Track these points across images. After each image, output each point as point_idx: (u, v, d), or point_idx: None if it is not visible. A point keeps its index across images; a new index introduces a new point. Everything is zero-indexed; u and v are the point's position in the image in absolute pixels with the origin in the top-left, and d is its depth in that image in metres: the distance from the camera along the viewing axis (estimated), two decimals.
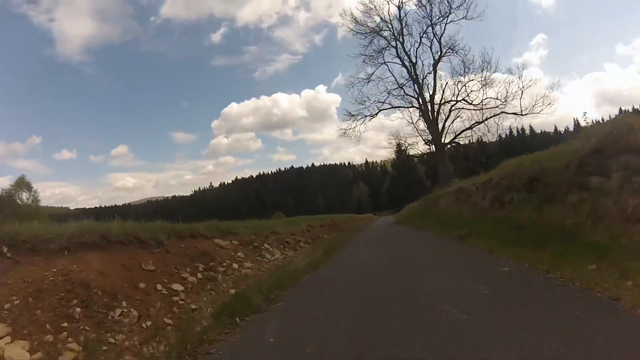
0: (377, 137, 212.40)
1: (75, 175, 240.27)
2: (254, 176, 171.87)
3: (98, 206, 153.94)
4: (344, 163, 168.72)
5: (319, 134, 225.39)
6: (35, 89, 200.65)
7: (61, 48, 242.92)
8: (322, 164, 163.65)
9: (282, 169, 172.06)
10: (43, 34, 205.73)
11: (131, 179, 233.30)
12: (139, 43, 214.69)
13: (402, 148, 70.44)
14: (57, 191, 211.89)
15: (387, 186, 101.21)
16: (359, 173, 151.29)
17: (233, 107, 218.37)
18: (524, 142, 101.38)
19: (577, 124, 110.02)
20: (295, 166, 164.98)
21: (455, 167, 60.86)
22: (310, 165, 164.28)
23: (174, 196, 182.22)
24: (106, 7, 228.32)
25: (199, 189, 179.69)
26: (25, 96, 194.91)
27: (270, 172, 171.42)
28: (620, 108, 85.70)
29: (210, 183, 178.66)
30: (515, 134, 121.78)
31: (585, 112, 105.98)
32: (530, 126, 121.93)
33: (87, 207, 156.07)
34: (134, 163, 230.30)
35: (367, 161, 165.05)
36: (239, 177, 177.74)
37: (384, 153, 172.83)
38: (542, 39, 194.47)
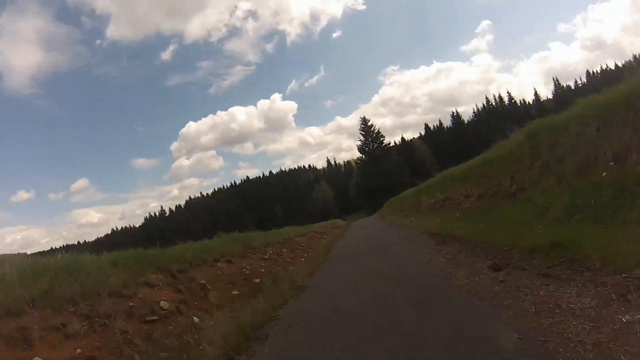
0: (337, 140, 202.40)
1: (36, 216, 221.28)
2: (209, 194, 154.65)
3: (64, 244, 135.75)
4: (304, 166, 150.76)
5: (279, 144, 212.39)
6: None
7: (8, 81, 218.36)
8: (279, 170, 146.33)
9: (236, 182, 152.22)
10: None
11: (95, 214, 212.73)
12: (89, 69, 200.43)
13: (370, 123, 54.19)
14: (19, 236, 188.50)
15: (356, 180, 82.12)
16: (321, 175, 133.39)
17: (191, 126, 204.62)
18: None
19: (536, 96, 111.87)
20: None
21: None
22: (267, 174, 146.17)
23: (122, 227, 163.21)
24: (52, 34, 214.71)
25: (149, 215, 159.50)
26: None
27: (223, 187, 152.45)
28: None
29: (161, 207, 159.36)
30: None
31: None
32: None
33: (52, 247, 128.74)
34: (97, 196, 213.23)
35: (328, 161, 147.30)
36: (191, 197, 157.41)
37: (346, 155, 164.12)
38: (487, 25, 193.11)
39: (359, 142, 71.24)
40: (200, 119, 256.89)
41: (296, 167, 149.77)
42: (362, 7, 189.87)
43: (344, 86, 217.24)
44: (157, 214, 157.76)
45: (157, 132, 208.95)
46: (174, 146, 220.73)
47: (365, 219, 48.81)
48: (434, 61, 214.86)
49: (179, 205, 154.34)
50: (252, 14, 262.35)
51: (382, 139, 71.92)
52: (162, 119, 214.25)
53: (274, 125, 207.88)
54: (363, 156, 75.85)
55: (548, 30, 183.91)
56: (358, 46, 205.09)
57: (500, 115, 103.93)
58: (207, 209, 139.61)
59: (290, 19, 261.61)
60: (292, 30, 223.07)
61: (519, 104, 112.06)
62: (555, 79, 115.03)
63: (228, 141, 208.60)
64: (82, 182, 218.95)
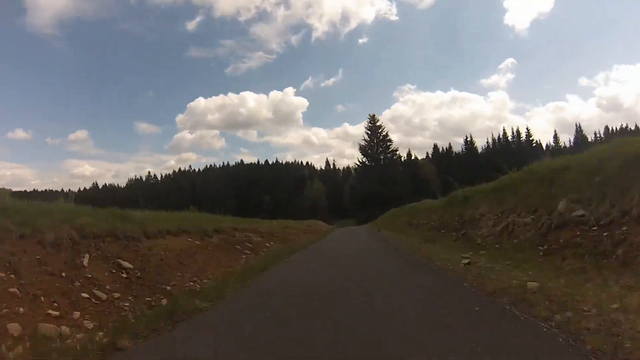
0: (341, 146, 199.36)
1: (30, 157, 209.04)
2: (200, 169, 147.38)
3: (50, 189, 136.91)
4: (301, 162, 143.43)
5: (283, 137, 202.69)
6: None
7: (32, 18, 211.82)
8: (275, 161, 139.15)
9: (229, 164, 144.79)
10: (14, 0, 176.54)
11: (89, 167, 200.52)
12: (113, 22, 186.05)
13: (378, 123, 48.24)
14: (9, 172, 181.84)
15: (351, 184, 73.81)
16: (317, 175, 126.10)
17: (200, 102, 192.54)
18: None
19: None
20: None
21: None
22: (264, 162, 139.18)
23: (105, 184, 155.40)
24: None
25: (134, 177, 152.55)
26: None
27: (214, 166, 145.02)
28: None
29: (148, 172, 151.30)
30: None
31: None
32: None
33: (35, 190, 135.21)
34: (94, 151, 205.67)
35: (327, 162, 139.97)
36: (182, 169, 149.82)
37: (347, 162, 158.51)
38: (511, 63, 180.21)
39: (363, 142, 64.76)
40: (210, 96, 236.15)
41: (293, 162, 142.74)
42: (394, 18, 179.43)
43: (358, 94, 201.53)
44: (144, 178, 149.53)
45: (166, 101, 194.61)
46: (179, 118, 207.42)
47: (352, 229, 41.14)
48: (451, 88, 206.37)
49: (167, 174, 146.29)
50: (284, 1, 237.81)
51: (389, 143, 65.71)
52: (173, 89, 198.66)
53: (282, 118, 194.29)
54: (364, 158, 67.82)
55: (569, 81, 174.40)
56: (381, 57, 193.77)
57: (514, 151, 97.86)
58: (193, 185, 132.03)
59: (321, 15, 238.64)
60: (320, 27, 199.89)
61: (535, 144, 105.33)
62: (578, 125, 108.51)
63: (233, 124, 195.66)
64: (81, 134, 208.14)
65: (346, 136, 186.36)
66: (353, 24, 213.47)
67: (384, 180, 59.04)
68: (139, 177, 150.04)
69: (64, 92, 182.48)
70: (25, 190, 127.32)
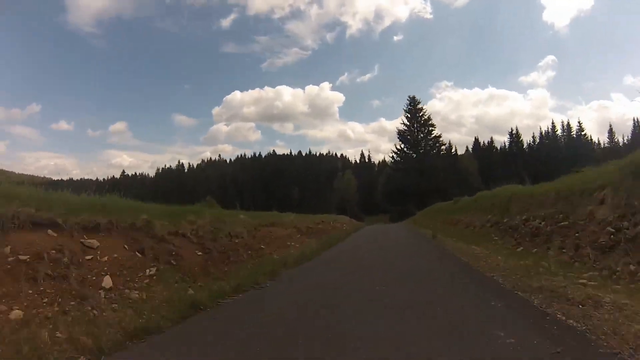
0: (377, 141, 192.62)
1: (72, 148, 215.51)
2: (231, 160, 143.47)
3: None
4: (336, 154, 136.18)
5: (319, 130, 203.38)
6: (40, 55, 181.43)
7: (72, 16, 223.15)
8: (308, 152, 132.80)
9: (260, 154, 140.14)
10: (55, 0, 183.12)
11: (127, 158, 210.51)
12: (151, 20, 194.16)
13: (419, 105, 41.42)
14: (52, 162, 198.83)
15: (389, 172, 63.82)
16: (351, 166, 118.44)
17: (236, 95, 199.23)
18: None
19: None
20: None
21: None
22: (297, 153, 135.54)
23: (135, 174, 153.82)
24: None
25: (164, 167, 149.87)
26: (29, 61, 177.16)
27: (243, 156, 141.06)
28: None
29: (178, 161, 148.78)
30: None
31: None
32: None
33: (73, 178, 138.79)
34: (132, 142, 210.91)
35: (362, 154, 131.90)
36: (213, 159, 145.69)
37: (382, 157, 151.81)
38: (551, 60, 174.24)
39: (402, 126, 57.08)
40: (247, 90, 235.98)
41: (327, 153, 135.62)
42: (429, 16, 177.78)
43: (394, 90, 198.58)
44: (174, 167, 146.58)
45: (203, 94, 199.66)
46: (215, 110, 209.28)
47: (387, 229, 33.66)
48: (489, 85, 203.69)
49: (198, 164, 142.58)
50: (317, 0, 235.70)
51: (431, 128, 56.43)
52: (210, 82, 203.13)
53: (318, 112, 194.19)
54: (402, 145, 57.95)
55: (613, 79, 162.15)
56: (417, 54, 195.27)
57: (563, 147, 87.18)
58: (223, 175, 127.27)
59: (354, 13, 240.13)
60: (354, 24, 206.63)
61: (587, 140, 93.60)
62: (636, 120, 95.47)
63: (269, 117, 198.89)
64: (120, 125, 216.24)
65: (382, 131, 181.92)
66: (387, 22, 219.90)
67: (425, 169, 51.09)
68: (169, 167, 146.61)
69: (104, 86, 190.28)
70: (61, 179, 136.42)
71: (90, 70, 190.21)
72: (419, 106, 54.50)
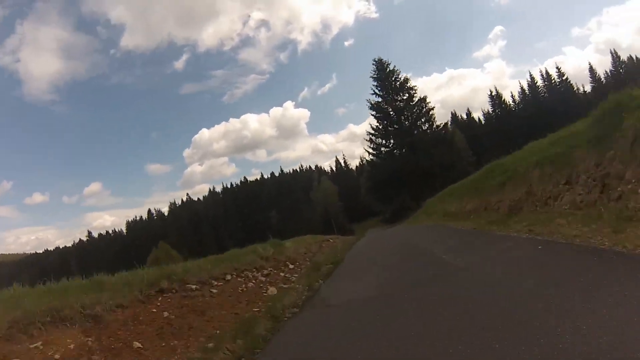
0: (350, 147, 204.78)
1: (50, 218, 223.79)
2: (199, 198, 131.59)
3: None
4: (309, 167, 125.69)
5: (291, 150, 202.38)
6: (4, 131, 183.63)
7: (28, 88, 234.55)
8: (280, 171, 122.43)
9: (228, 185, 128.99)
10: (10, 75, 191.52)
11: (109, 217, 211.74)
12: (105, 77, 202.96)
13: (390, 68, 32.05)
14: (34, 237, 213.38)
15: (368, 168, 50.65)
16: (328, 176, 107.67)
17: (204, 133, 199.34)
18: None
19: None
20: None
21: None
22: (269, 175, 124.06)
23: (107, 232, 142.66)
24: (71, 43, 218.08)
25: (136, 218, 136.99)
26: None
27: (212, 189, 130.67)
28: None
29: (148, 210, 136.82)
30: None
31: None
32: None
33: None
34: (110, 200, 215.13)
35: (337, 161, 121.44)
36: (184, 200, 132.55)
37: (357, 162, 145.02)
38: (499, 30, 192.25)
39: (374, 98, 42.75)
40: (213, 126, 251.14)
41: (299, 168, 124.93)
42: (374, 16, 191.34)
43: (357, 94, 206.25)
44: (144, 218, 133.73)
45: (171, 139, 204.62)
46: (186, 152, 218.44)
47: (383, 235, 23.09)
48: (446, 68, 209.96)
49: (164, 211, 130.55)
50: (264, 24, 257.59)
51: (412, 92, 41.13)
52: (176, 126, 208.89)
53: (287, 133, 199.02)
54: (379, 122, 42.25)
55: (562, 34, 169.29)
56: (370, 54, 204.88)
57: (550, 99, 78.69)
58: (194, 214, 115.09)
59: (302, 28, 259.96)
60: (304, 39, 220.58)
61: (568, 83, 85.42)
62: (612, 51, 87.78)
63: (240, 148, 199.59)
64: (95, 186, 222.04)
65: (353, 137, 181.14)
66: (335, 30, 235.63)
67: (416, 144, 38.84)
68: (139, 218, 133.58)
69: (72, 150, 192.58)
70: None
71: (56, 136, 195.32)
72: (390, 69, 41.76)
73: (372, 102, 40.22)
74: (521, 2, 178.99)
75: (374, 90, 39.87)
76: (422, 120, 39.09)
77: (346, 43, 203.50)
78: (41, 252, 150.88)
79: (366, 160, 40.46)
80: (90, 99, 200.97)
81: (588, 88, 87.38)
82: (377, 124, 40.92)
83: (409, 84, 39.54)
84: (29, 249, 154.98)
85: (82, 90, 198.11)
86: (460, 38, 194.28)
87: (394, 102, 38.98)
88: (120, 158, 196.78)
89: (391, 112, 39.54)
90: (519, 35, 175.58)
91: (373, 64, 39.88)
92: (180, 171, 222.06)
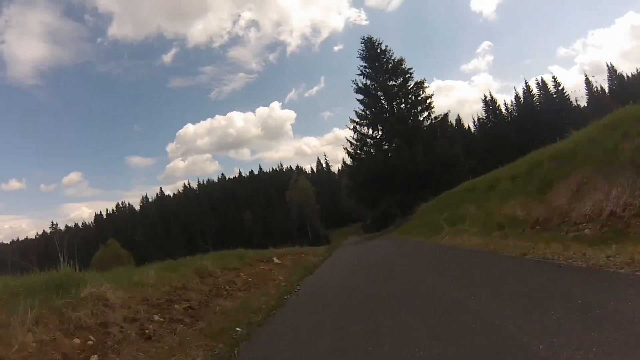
0: (334, 152, 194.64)
1: (26, 206, 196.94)
2: (171, 194, 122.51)
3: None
4: (290, 167, 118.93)
5: (275, 151, 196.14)
6: None
7: (11, 71, 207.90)
8: (259, 170, 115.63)
9: (204, 181, 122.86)
10: None
11: (86, 209, 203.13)
12: (91, 65, 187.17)
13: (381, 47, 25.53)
14: (7, 225, 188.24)
15: (352, 165, 33.30)
16: (308, 177, 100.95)
17: (189, 128, 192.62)
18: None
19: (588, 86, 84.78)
20: None
21: None
22: (247, 173, 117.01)
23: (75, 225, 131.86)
24: (57, 29, 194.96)
25: (99, 212, 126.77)
26: None
27: (188, 186, 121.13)
28: None
29: (117, 204, 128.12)
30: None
31: None
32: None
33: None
34: (89, 192, 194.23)
35: (319, 161, 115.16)
36: (158, 195, 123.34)
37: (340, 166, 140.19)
38: (487, 45, 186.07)
39: (363, 80, 34.52)
40: (198, 121, 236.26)
41: (278, 168, 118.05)
42: (364, 23, 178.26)
43: (343, 98, 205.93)
44: (112, 211, 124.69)
45: (154, 132, 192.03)
46: (170, 147, 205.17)
47: (363, 251, 16.77)
48: (434, 78, 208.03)
49: (135, 206, 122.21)
50: (254, 24, 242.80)
51: (408, 75, 33.43)
52: (160, 119, 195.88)
53: (272, 133, 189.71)
54: (366, 110, 34.17)
55: (548, 53, 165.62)
56: (359, 61, 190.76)
57: (544, 110, 73.13)
58: (164, 211, 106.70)
59: (291, 30, 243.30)
60: (293, 41, 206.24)
61: (565, 95, 79.96)
62: (609, 65, 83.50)
63: (224, 146, 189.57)
64: (74, 176, 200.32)
65: (337, 141, 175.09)
66: (325, 34, 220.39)
67: (410, 136, 30.80)
68: (109, 212, 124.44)
69: (53, 137, 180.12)
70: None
71: (37, 122, 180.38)
72: (381, 48, 34.37)
73: (359, 84, 32.46)
74: (509, 19, 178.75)
75: (361, 71, 32.38)
76: (419, 108, 31.47)
77: (335, 48, 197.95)
78: (7, 242, 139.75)
79: (348, 151, 30.01)
80: (74, 87, 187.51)
81: (582, 103, 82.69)
82: (363, 111, 32.35)
83: (403, 66, 32.10)
84: (2, 238, 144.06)
85: (66, 77, 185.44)
86: (449, 50, 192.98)
87: (386, 85, 31.48)
88: (101, 149, 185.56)
89: (381, 97, 32.06)
90: (506, 51, 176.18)
91: (362, 43, 32.56)
92: (162, 165, 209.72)
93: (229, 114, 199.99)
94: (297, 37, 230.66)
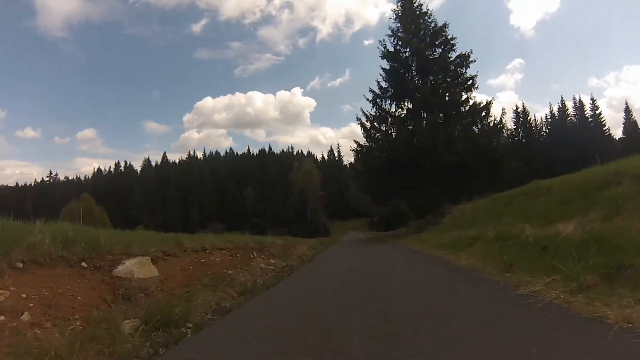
0: (348, 145, 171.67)
1: (39, 155, 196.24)
2: (176, 161, 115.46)
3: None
4: (301, 151, 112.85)
5: (290, 136, 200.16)
6: (7, 59, 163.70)
7: (42, 21, 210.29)
8: (269, 149, 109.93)
9: (212, 152, 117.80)
10: (25, 4, 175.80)
11: (97, 166, 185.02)
12: (120, 25, 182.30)
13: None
14: (18, 171, 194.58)
15: (367, 149, 27.42)
16: (318, 165, 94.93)
17: (208, 101, 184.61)
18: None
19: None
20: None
21: None
22: (258, 152, 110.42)
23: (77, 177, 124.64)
24: None
25: (97, 169, 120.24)
26: None
27: (193, 155, 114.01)
28: None
29: (117, 162, 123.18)
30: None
31: None
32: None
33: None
34: (102, 150, 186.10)
35: (331, 150, 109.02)
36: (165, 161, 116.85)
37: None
38: (519, 63, 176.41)
39: (393, 42, 26.69)
40: (218, 96, 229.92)
41: (288, 150, 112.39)
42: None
43: (365, 95, 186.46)
44: (110, 169, 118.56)
45: (174, 100, 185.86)
46: (186, 117, 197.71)
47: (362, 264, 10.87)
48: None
49: (132, 165, 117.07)
50: (288, 5, 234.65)
51: (449, 46, 25.13)
52: (181, 88, 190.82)
53: (289, 118, 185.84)
54: (391, 80, 26.20)
55: (579, 81, 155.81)
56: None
57: (577, 132, 65.93)
58: (164, 179, 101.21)
59: (324, 17, 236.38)
60: (324, 29, 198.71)
61: (602, 121, 72.03)
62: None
63: (241, 123, 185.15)
64: (89, 132, 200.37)
65: (353, 135, 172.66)
66: (357, 26, 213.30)
67: (446, 114, 23.90)
68: (104, 170, 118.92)
69: (73, 92, 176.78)
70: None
71: (59, 75, 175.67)
72: (422, 10, 26.47)
73: (387, 48, 25.22)
74: (546, 39, 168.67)
75: (392, 32, 24.72)
76: (458, 89, 23.93)
77: (366, 42, 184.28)
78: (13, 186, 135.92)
79: (362, 125, 21.99)
80: (100, 45, 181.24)
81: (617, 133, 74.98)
82: (387, 81, 25.73)
83: (446, 34, 24.30)
84: (11, 182, 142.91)
85: (94, 34, 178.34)
86: (479, 61, 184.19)
87: (422, 52, 23.45)
88: (119, 109, 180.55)
89: (413, 66, 24.43)
90: (537, 72, 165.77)
91: (398, 1, 25.38)
92: (177, 134, 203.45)
93: (249, 93, 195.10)
94: (329, 25, 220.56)
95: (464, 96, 23.22)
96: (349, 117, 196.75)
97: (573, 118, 72.95)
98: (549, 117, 73.55)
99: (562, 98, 76.62)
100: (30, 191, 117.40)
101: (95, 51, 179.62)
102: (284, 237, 20.29)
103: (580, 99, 73.64)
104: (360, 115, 25.36)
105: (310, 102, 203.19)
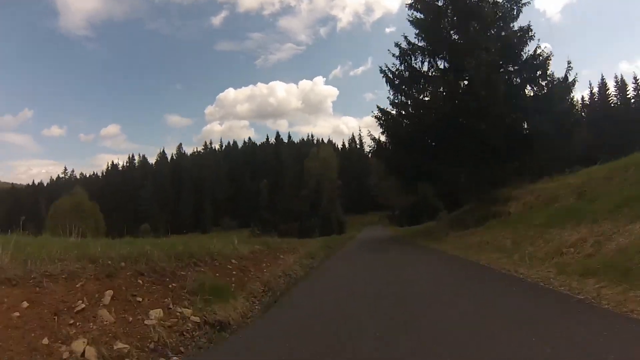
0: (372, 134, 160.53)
1: (64, 154, 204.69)
2: (187, 153, 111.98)
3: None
4: (322, 139, 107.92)
5: (312, 126, 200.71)
6: (33, 60, 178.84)
7: (64, 21, 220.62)
8: (288, 138, 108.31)
9: (230, 142, 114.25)
10: (47, 5, 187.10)
11: (121, 162, 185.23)
12: (142, 22, 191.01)
13: None
14: (44, 170, 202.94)
15: (390, 121, 20.08)
16: (339, 153, 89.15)
17: (230, 93, 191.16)
18: None
19: None
20: None
21: None
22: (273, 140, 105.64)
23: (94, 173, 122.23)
24: None
25: (111, 164, 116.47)
26: (21, 67, 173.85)
27: (210, 147, 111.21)
28: None
29: (129, 156, 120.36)
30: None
31: None
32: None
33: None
34: (125, 145, 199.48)
35: (353, 137, 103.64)
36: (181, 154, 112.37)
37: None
38: (545, 47, 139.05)
39: None
40: (240, 87, 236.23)
41: (307, 138, 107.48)
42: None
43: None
44: (125, 164, 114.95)
45: (196, 93, 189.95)
46: (208, 110, 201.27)
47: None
48: None
49: (146, 159, 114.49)
50: None
51: None
52: (203, 81, 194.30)
53: (312, 108, 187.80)
54: (422, 35, 19.17)
55: (608, 66, 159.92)
56: None
57: (616, 112, 58.09)
58: (176, 172, 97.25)
59: (344, 6, 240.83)
60: (344, 17, 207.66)
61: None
62: None
63: (263, 114, 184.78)
64: (112, 128, 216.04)
65: (376, 125, 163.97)
66: (378, 14, 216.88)
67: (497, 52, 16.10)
68: (117, 164, 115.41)
69: (97, 88, 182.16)
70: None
71: (82, 72, 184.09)
72: None
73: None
74: (574, 23, 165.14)
75: None
76: (507, 45, 16.48)
77: (387, 30, 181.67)
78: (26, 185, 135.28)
79: (390, 85, 16.48)
80: (122, 41, 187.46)
81: None
82: (418, 38, 18.82)
83: None
84: (37, 182, 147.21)
85: (116, 31, 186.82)
86: None
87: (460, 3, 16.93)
88: (141, 104, 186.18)
89: (449, 11, 17.33)
90: (564, 56, 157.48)
91: None
92: (199, 127, 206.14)
93: (271, 83, 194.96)
94: (349, 14, 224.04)
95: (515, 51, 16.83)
96: (371, 106, 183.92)
97: (614, 98, 65.63)
98: (589, 97, 65.92)
99: (602, 76, 68.27)
100: (44, 191, 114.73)
101: (118, 48, 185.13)
102: (272, 237, 15.10)
103: (622, 78, 65.74)
104: (384, 68, 19.25)
105: (332, 91, 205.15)
